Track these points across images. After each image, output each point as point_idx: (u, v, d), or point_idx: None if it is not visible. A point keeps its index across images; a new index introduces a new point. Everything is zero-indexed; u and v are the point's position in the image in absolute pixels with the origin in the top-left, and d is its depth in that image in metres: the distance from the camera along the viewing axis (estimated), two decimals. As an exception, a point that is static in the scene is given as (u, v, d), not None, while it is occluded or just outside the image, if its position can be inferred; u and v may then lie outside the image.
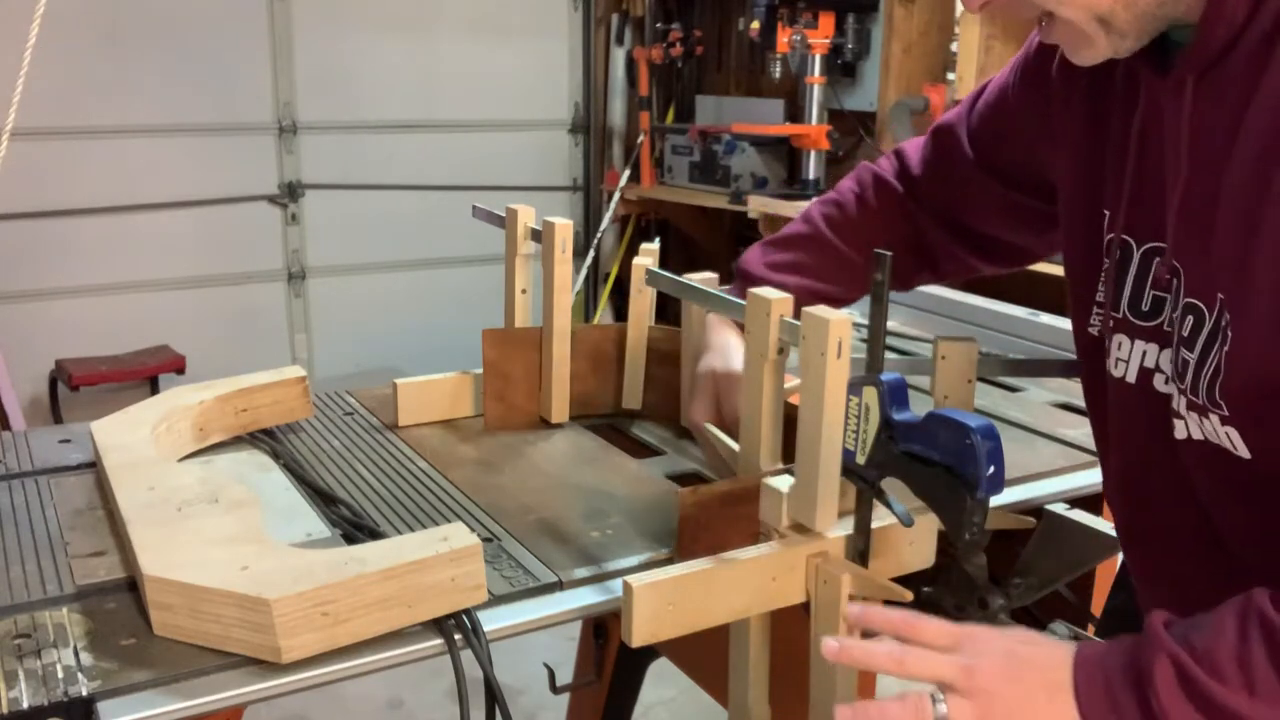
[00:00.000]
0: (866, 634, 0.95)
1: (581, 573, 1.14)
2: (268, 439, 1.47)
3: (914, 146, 1.36)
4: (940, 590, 1.14)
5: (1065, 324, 1.95)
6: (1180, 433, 0.96)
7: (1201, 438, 0.94)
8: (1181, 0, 0.88)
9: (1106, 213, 1.03)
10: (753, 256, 1.39)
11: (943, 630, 0.89)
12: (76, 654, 0.97)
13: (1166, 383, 0.98)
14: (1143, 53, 0.94)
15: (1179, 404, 0.95)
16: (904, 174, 1.36)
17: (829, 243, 1.36)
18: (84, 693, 0.92)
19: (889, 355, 1.14)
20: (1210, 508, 0.98)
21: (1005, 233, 1.31)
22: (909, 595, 1.08)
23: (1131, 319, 1.00)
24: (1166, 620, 0.84)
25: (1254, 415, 0.88)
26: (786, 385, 1.15)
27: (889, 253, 0.96)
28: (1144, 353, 0.99)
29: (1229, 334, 0.87)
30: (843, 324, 0.99)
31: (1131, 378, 1.01)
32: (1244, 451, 0.90)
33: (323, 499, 1.30)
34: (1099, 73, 1.03)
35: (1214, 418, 0.91)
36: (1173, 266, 0.95)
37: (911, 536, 1.08)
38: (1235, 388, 0.88)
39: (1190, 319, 0.92)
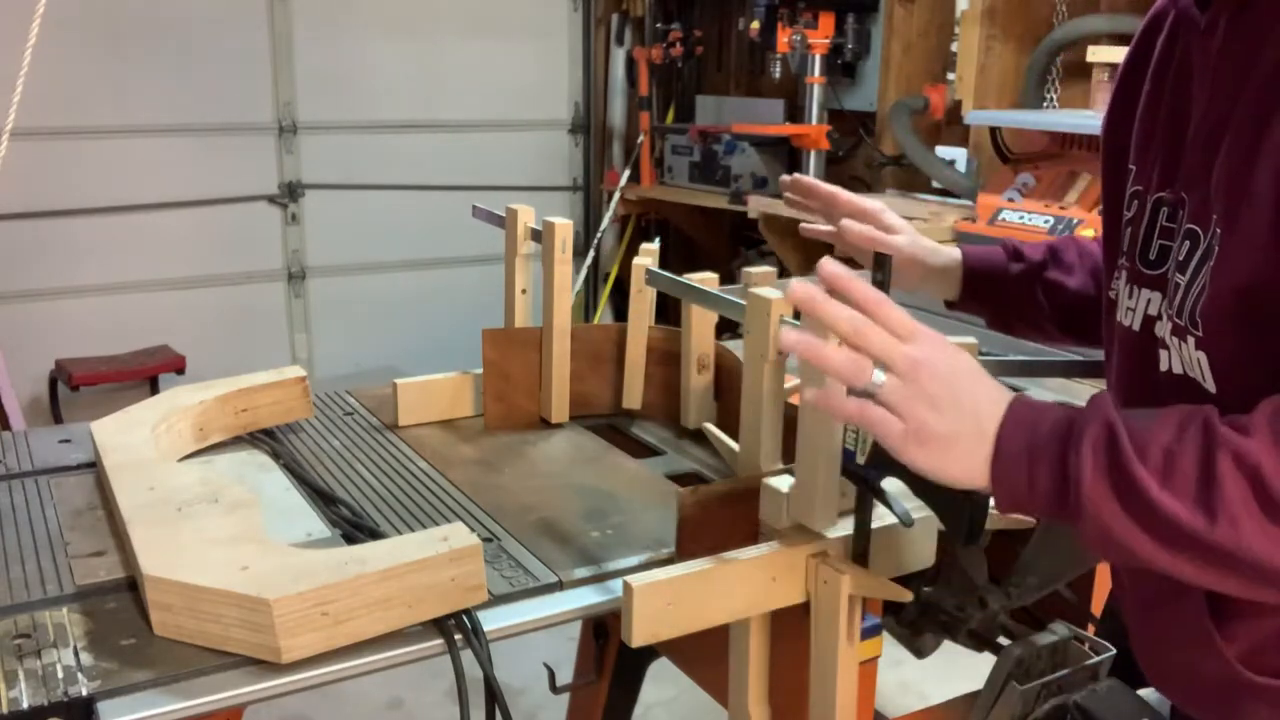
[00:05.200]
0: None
1: (581, 573, 1.14)
2: (268, 439, 1.47)
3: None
4: (940, 590, 1.14)
5: (1065, 324, 1.94)
6: (1163, 364, 0.98)
7: (1181, 371, 0.96)
8: None
9: (1133, 168, 1.07)
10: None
11: (904, 320, 0.87)
12: (76, 654, 0.97)
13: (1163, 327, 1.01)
14: None
15: (1164, 330, 0.98)
16: None
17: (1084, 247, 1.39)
18: (84, 693, 0.92)
19: (889, 355, 1.13)
20: None
21: None
22: (909, 595, 1.08)
23: (1140, 268, 1.03)
24: (1114, 402, 0.86)
25: (1225, 337, 0.90)
26: (786, 385, 1.15)
27: (889, 254, 0.96)
28: (1148, 300, 1.02)
29: (1216, 249, 0.90)
30: (843, 324, 0.99)
31: (1136, 325, 1.04)
32: (1211, 384, 0.92)
33: (323, 499, 1.30)
34: (1142, 48, 1.08)
35: (1190, 341, 0.93)
36: (1180, 197, 0.97)
37: (911, 536, 1.08)
38: (1213, 305, 0.90)
39: (1188, 244, 0.95)
